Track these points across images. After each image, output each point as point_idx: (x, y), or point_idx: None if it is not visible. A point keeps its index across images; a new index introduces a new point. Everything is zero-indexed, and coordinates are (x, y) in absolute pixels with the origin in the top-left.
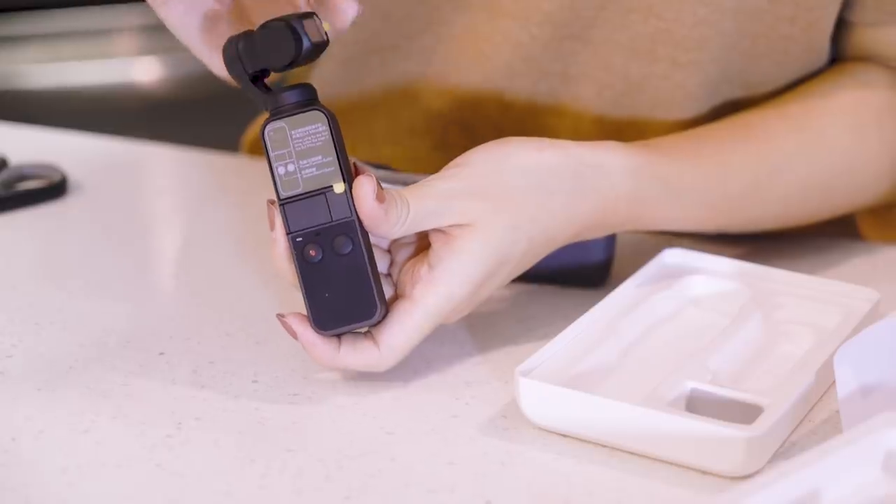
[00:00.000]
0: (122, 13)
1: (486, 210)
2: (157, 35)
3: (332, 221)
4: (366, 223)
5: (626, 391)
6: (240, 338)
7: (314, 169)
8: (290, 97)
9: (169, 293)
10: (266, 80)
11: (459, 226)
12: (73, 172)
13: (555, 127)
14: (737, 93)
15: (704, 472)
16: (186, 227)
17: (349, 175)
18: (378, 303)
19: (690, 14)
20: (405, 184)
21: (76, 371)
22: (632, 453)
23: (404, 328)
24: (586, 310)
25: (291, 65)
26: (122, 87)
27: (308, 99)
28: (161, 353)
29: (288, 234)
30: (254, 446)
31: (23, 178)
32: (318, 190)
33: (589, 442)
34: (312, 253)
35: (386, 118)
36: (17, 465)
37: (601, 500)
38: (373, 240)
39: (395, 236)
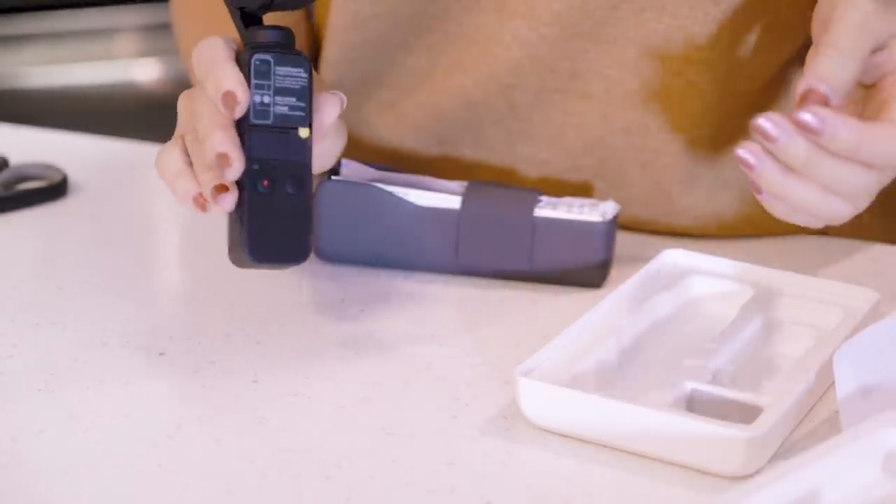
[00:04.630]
0: (122, 13)
1: None
2: (157, 36)
3: (290, 160)
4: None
5: (626, 391)
6: (240, 338)
7: (286, 108)
8: (272, 35)
9: (169, 293)
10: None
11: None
12: (73, 173)
13: (562, 123)
14: (741, 84)
15: (704, 472)
16: (186, 227)
17: (312, 126)
18: (310, 249)
19: (703, 13)
20: (406, 184)
21: (76, 371)
22: (632, 453)
23: None
24: (586, 310)
25: (268, 5)
26: (122, 87)
27: (288, 41)
28: (161, 354)
29: (248, 157)
30: (254, 446)
31: (23, 178)
32: (284, 127)
33: (589, 442)
34: (265, 183)
35: (391, 114)
36: (17, 465)
37: (601, 500)
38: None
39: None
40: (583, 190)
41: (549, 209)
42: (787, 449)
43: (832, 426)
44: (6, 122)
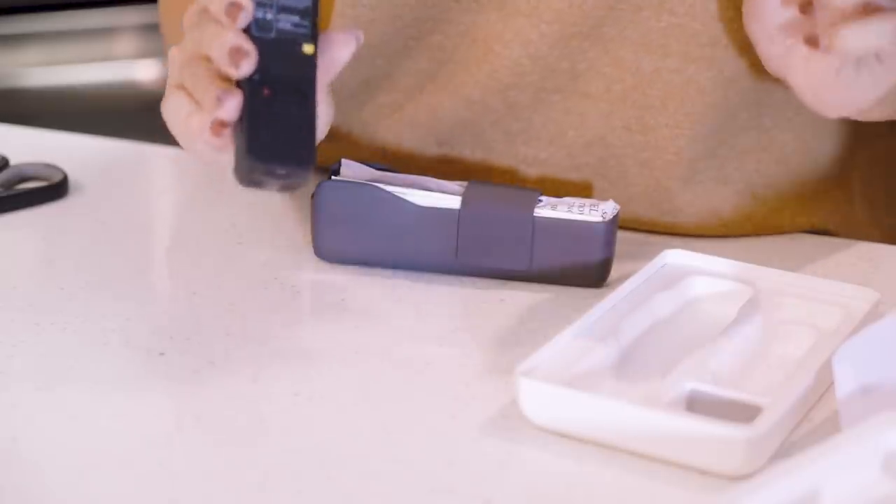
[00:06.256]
0: (122, 13)
1: None
2: (158, 36)
3: (293, 74)
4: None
5: (626, 391)
6: (240, 338)
7: (290, 24)
8: None
9: (169, 293)
10: None
11: None
12: (74, 172)
13: (561, 122)
14: (742, 81)
15: (704, 472)
16: (186, 226)
17: (317, 45)
18: (314, 157)
19: (703, 9)
20: (405, 184)
21: (76, 371)
22: (632, 453)
23: None
24: (586, 310)
25: None
26: (123, 87)
27: None
28: (161, 354)
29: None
30: (254, 446)
31: (23, 178)
32: (288, 42)
33: (589, 442)
34: (266, 92)
35: (390, 116)
36: (17, 465)
37: (601, 500)
38: None
39: None
40: (583, 189)
41: (549, 209)
42: (787, 449)
43: (832, 426)
44: (6, 122)
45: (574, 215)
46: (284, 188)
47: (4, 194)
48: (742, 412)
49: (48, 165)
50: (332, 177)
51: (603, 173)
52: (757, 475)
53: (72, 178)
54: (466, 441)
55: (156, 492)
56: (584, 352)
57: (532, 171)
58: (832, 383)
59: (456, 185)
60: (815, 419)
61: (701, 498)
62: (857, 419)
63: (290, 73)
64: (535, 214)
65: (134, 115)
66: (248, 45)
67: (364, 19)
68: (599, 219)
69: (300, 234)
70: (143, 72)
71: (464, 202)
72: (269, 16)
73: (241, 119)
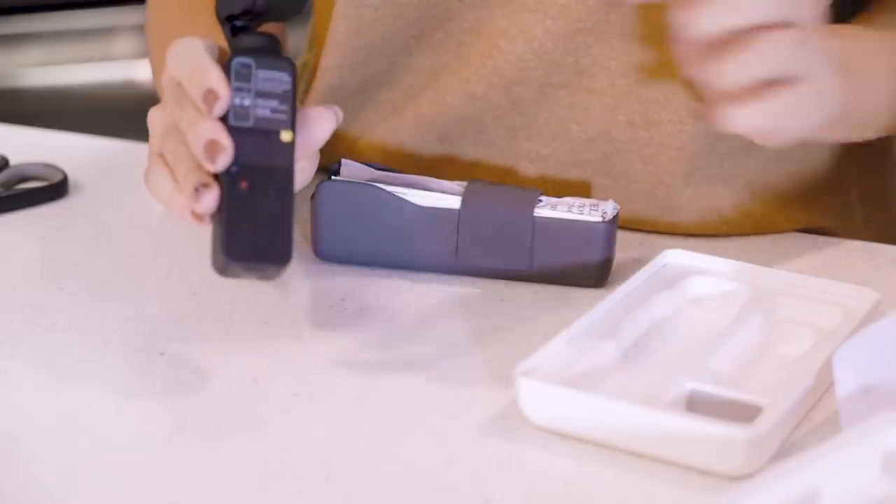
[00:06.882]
0: (122, 13)
1: None
2: None
3: (271, 163)
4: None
5: (626, 391)
6: (240, 338)
7: (268, 111)
8: (255, 41)
9: (169, 293)
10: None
11: None
12: (74, 172)
13: (565, 118)
14: None
15: (704, 472)
16: (186, 226)
17: (295, 130)
18: (291, 252)
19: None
20: (405, 184)
21: (76, 371)
22: (632, 453)
23: None
24: (586, 310)
25: (254, 14)
26: (122, 87)
27: (272, 47)
28: (161, 354)
29: None
30: (253, 446)
31: (23, 178)
32: (265, 130)
33: (589, 442)
34: (243, 185)
35: (392, 115)
36: (17, 465)
37: (601, 500)
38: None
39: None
40: (584, 187)
41: (549, 209)
42: (787, 449)
43: (832, 426)
44: (6, 122)
45: (574, 215)
46: (262, 279)
47: (4, 194)
48: (742, 412)
49: (48, 165)
50: (332, 177)
51: (606, 170)
52: (757, 475)
53: (72, 178)
54: (466, 441)
55: (156, 492)
56: (584, 352)
57: (534, 168)
58: (832, 383)
59: (456, 185)
60: (815, 419)
61: (701, 498)
62: (857, 419)
63: (268, 164)
64: (535, 214)
65: (134, 115)
66: (226, 140)
67: (367, 19)
68: (599, 219)
69: (300, 234)
70: (143, 72)
71: (464, 202)
72: (247, 102)
73: (219, 209)
